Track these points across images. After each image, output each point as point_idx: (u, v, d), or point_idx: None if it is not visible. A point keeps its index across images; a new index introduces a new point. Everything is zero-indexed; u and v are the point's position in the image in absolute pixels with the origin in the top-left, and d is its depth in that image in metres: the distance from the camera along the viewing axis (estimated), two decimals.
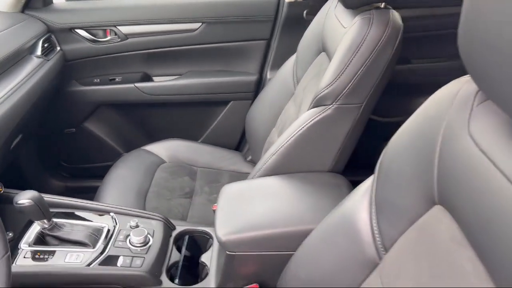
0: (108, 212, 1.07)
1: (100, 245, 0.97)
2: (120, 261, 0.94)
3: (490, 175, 0.48)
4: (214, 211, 0.99)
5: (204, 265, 1.02)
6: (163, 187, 1.37)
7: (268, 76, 1.67)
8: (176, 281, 0.98)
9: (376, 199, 0.70)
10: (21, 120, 1.24)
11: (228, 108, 1.73)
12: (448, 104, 0.59)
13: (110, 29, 1.63)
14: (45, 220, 0.95)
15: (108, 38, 1.64)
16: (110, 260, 0.94)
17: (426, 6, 1.44)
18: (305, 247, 0.82)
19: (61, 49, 1.59)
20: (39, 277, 0.92)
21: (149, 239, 1.00)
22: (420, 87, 1.15)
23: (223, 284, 0.96)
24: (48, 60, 1.46)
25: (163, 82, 1.70)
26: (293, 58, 1.40)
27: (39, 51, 1.43)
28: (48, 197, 1.05)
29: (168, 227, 1.08)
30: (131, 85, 1.66)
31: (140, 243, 0.98)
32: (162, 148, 1.53)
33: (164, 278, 0.97)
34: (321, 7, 1.31)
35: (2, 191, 1.02)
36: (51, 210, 0.96)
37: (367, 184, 0.75)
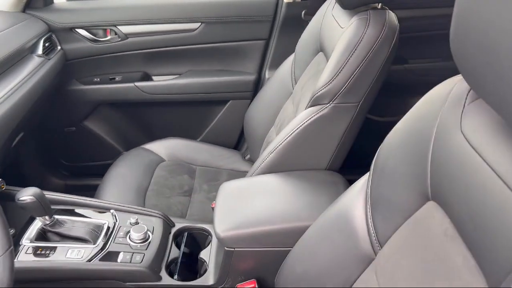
0: (108, 209, 1.08)
1: (100, 241, 0.98)
2: (120, 257, 0.95)
3: (481, 171, 0.49)
4: (212, 208, 1.01)
5: (203, 262, 1.03)
6: (163, 185, 1.39)
7: (267, 75, 1.68)
8: (176, 277, 0.99)
9: (371, 196, 0.72)
10: (22, 118, 1.25)
11: (227, 107, 1.74)
12: (441, 102, 0.60)
13: (110, 29, 1.64)
14: (46, 217, 0.96)
15: (108, 37, 1.65)
16: (111, 256, 0.95)
17: (422, 7, 1.46)
18: (302, 243, 0.83)
19: (61, 49, 1.60)
20: (40, 272, 0.93)
21: (149, 236, 1.01)
22: (417, 87, 1.17)
23: (222, 280, 0.97)
24: (49, 59, 1.47)
25: (163, 81, 1.71)
26: (291, 58, 1.42)
27: (40, 50, 1.44)
28: (49, 194, 1.06)
29: (168, 224, 1.09)
30: (131, 84, 1.68)
31: (140, 240, 0.99)
32: (161, 147, 1.54)
33: (163, 274, 0.98)
34: (319, 8, 1.32)
35: (3, 188, 1.03)
36: (52, 207, 0.98)
37: (363, 181, 0.77)
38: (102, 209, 1.08)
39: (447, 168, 0.55)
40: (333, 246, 0.76)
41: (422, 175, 0.60)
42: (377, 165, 0.72)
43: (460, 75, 0.57)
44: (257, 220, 0.94)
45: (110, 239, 0.99)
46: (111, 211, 1.07)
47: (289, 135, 1.06)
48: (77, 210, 1.07)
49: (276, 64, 1.56)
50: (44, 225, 0.98)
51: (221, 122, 1.76)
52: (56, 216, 0.99)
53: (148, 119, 1.79)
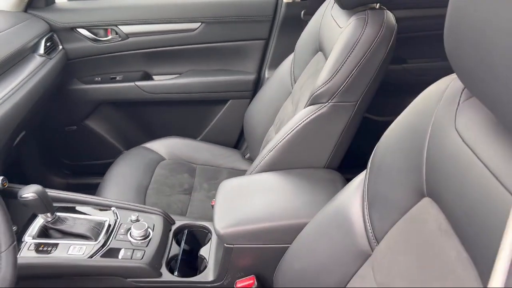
0: (109, 206, 1.09)
1: (102, 238, 0.99)
2: (121, 254, 0.97)
3: (474, 167, 0.50)
4: (212, 206, 1.02)
5: (202, 258, 1.05)
6: (163, 183, 1.40)
7: (266, 75, 1.69)
8: (176, 273, 1.00)
9: (368, 193, 0.73)
10: (24, 117, 1.26)
11: (227, 107, 1.75)
12: (437, 100, 0.61)
13: (111, 29, 1.66)
14: (48, 214, 0.97)
15: (109, 37, 1.66)
16: (112, 253, 0.96)
17: (420, 7, 1.47)
18: (300, 239, 0.84)
19: (63, 48, 1.61)
20: (42, 268, 0.94)
21: (149, 233, 1.02)
22: (415, 87, 1.18)
23: (221, 276, 0.98)
24: (51, 59, 1.48)
25: (163, 81, 1.72)
26: (290, 58, 1.43)
27: (41, 50, 1.46)
28: (51, 192, 1.07)
29: (168, 222, 1.10)
30: (132, 84, 1.69)
31: (140, 237, 1.00)
32: (162, 146, 1.55)
33: (164, 270, 0.99)
34: (318, 8, 1.33)
35: (6, 186, 1.04)
36: (54, 204, 0.99)
37: (360, 179, 0.78)
38: (103, 207, 1.09)
39: (441, 164, 0.57)
40: (330, 243, 0.77)
41: (417, 172, 0.61)
42: (374, 163, 0.73)
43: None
44: (256, 217, 0.95)
45: (111, 236, 1.00)
46: (112, 208, 1.08)
47: (288, 134, 1.07)
48: (79, 208, 1.09)
49: (275, 64, 1.56)
50: (46, 222, 0.99)
51: (221, 122, 1.77)
52: (58, 214, 1.00)
53: (148, 118, 1.80)
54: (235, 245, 0.93)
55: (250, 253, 0.95)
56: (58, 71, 1.52)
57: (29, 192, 0.92)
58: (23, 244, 0.96)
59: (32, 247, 0.96)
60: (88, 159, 1.84)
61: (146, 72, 1.74)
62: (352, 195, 0.77)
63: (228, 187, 1.06)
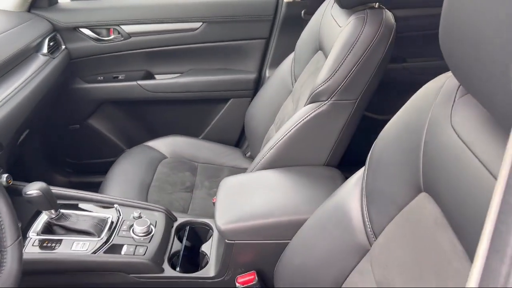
0: (112, 203, 1.10)
1: (105, 234, 1.01)
2: (124, 250, 0.98)
3: (468, 162, 0.52)
4: (214, 204, 1.03)
5: (204, 254, 1.06)
6: (165, 181, 1.41)
7: (267, 74, 1.71)
8: (178, 269, 1.02)
9: (367, 189, 0.74)
10: (28, 115, 1.28)
11: (228, 106, 1.76)
12: (433, 97, 0.62)
13: (113, 28, 1.67)
14: (52, 210, 0.98)
15: (112, 37, 1.68)
16: (115, 249, 0.98)
17: (419, 6, 1.48)
18: (300, 235, 0.86)
19: (66, 48, 1.62)
20: (47, 263, 0.96)
21: (152, 229, 1.03)
22: (415, 86, 1.19)
23: (222, 272, 1.00)
24: (54, 58, 1.50)
25: (165, 80, 1.74)
26: (291, 57, 1.44)
27: (45, 49, 1.47)
28: (55, 189, 1.08)
29: (170, 218, 1.12)
30: (134, 83, 1.70)
31: (143, 233, 1.01)
32: (163, 144, 1.57)
33: (166, 266, 1.00)
34: (318, 7, 1.34)
35: (11, 183, 1.05)
36: (58, 201, 1.00)
37: (359, 175, 0.79)
38: (106, 204, 1.11)
39: (438, 160, 0.58)
40: (330, 238, 0.79)
41: (414, 167, 0.62)
42: (372, 159, 0.75)
43: None
44: (257, 214, 0.96)
45: (114, 233, 1.02)
46: (115, 205, 1.10)
47: (289, 131, 1.08)
48: (82, 205, 1.10)
49: (276, 63, 1.58)
50: (50, 218, 1.00)
51: (222, 120, 1.78)
52: (62, 210, 1.02)
53: (150, 117, 1.82)
54: (236, 241, 0.95)
55: (251, 249, 0.96)
56: (61, 71, 1.54)
57: (33, 189, 0.93)
58: (27, 240, 0.98)
59: (37, 243, 0.97)
60: (90, 158, 1.85)
61: (148, 71, 1.76)
62: (351, 191, 0.78)
63: (229, 184, 1.07)
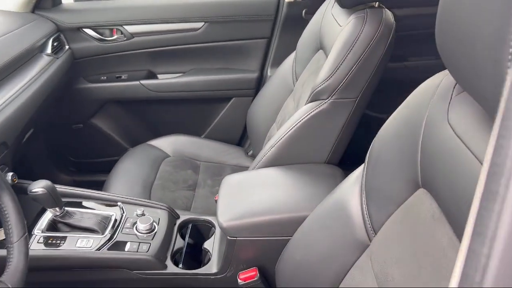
0: (115, 201, 1.12)
1: (108, 231, 1.02)
2: (127, 246, 0.99)
3: (465, 158, 0.53)
4: (216, 201, 1.04)
5: (206, 251, 1.07)
6: (168, 179, 1.42)
7: (269, 73, 1.72)
8: (180, 265, 1.03)
9: (366, 185, 0.75)
10: (32, 115, 1.29)
11: (230, 105, 1.77)
12: (431, 94, 0.64)
13: (116, 28, 1.68)
14: (57, 208, 1.00)
15: (115, 37, 1.69)
16: (118, 245, 0.99)
17: (418, 5, 1.49)
18: (300, 231, 0.87)
19: (69, 48, 1.64)
20: (51, 260, 0.97)
21: (155, 227, 1.05)
22: (415, 84, 1.20)
23: (224, 268, 1.01)
24: (58, 58, 1.51)
25: (168, 79, 1.75)
26: (292, 56, 1.45)
27: (49, 50, 1.49)
28: (60, 187, 1.10)
29: (173, 216, 1.13)
30: (137, 83, 1.71)
31: (146, 230, 1.03)
32: (166, 143, 1.58)
33: (169, 262, 1.02)
34: (319, 7, 1.35)
35: (16, 181, 1.07)
36: (62, 199, 1.01)
37: (358, 172, 0.80)
38: (110, 202, 1.12)
39: (435, 156, 0.59)
40: (330, 234, 0.80)
41: (413, 164, 0.63)
42: (371, 156, 0.76)
43: None
44: (259, 211, 0.97)
45: (118, 230, 1.03)
46: (119, 203, 1.11)
47: (290, 130, 1.09)
48: (86, 203, 1.11)
49: (278, 62, 1.59)
50: (55, 216, 1.02)
51: (224, 119, 1.79)
52: (66, 208, 1.03)
53: (153, 116, 1.83)
54: (238, 238, 0.96)
55: (253, 245, 0.97)
56: (65, 70, 1.55)
57: (38, 187, 0.95)
58: (32, 237, 0.99)
59: (42, 240, 0.99)
60: (94, 157, 1.87)
61: (151, 71, 1.77)
62: (351, 188, 0.79)
63: (231, 182, 1.08)
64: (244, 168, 1.49)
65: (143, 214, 1.07)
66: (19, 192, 1.07)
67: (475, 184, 0.50)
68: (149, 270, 1.00)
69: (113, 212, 1.08)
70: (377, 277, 0.67)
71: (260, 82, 1.75)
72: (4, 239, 0.76)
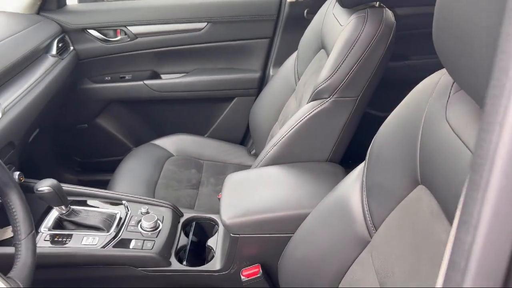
0: (120, 200, 1.13)
1: (113, 229, 1.03)
2: (132, 244, 1.01)
3: (462, 154, 0.54)
4: (219, 199, 1.06)
5: (210, 249, 1.09)
6: (171, 178, 1.44)
7: (271, 73, 1.73)
8: (184, 262, 1.04)
9: (367, 182, 0.76)
10: (38, 115, 1.31)
11: (232, 104, 1.79)
12: (430, 92, 0.65)
13: (120, 29, 1.70)
14: (63, 206, 1.01)
15: (119, 37, 1.71)
16: (123, 243, 1.01)
17: (420, 4, 1.49)
18: (302, 228, 0.88)
19: (74, 49, 1.66)
20: (58, 257, 0.99)
21: (159, 224, 1.06)
22: (417, 83, 1.21)
23: (228, 265, 1.02)
24: (63, 59, 1.53)
25: (171, 79, 1.76)
26: (294, 55, 1.46)
27: (54, 51, 1.50)
28: (66, 186, 1.11)
29: (177, 214, 1.14)
30: (141, 83, 1.73)
31: (150, 228, 1.04)
32: (170, 143, 1.60)
33: (173, 260, 1.03)
34: (320, 7, 1.36)
35: (22, 180, 1.08)
36: (68, 198, 1.03)
37: (359, 169, 0.81)
38: (115, 200, 1.14)
39: (434, 153, 0.60)
40: (331, 231, 0.81)
41: (412, 161, 0.65)
42: (372, 154, 0.77)
43: None
44: (261, 208, 0.98)
45: (123, 228, 1.04)
46: (123, 202, 1.12)
47: (291, 129, 1.11)
48: (91, 201, 1.13)
49: (280, 62, 1.60)
50: (61, 214, 1.03)
51: (227, 119, 1.80)
52: (72, 206, 1.05)
53: (157, 116, 1.84)
54: (241, 235, 0.97)
55: (255, 242, 0.98)
56: (69, 71, 1.57)
57: (45, 185, 0.96)
58: (39, 235, 1.01)
59: (48, 237, 1.00)
60: (98, 156, 1.88)
61: (154, 71, 1.78)
62: (352, 185, 0.80)
63: (234, 180, 1.09)
64: (246, 167, 1.51)
65: (147, 212, 1.08)
66: (26, 191, 1.08)
67: None
68: (154, 267, 1.01)
69: (118, 210, 1.09)
70: (377, 273, 0.69)
71: (262, 81, 1.76)
72: (12, 237, 0.78)
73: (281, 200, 1.01)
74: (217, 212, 1.04)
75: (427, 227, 0.60)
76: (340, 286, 0.76)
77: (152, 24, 1.70)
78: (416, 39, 1.52)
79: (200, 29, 1.71)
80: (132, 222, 1.06)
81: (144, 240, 1.02)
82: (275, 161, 1.14)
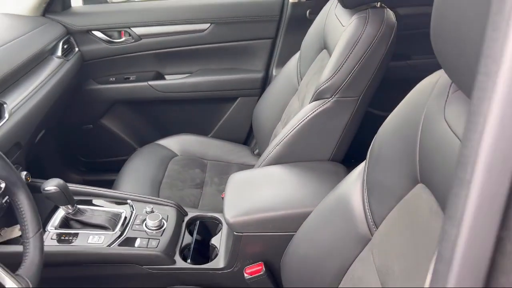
0: (125, 199, 1.15)
1: (119, 228, 1.05)
2: (137, 242, 1.02)
3: None
4: (223, 199, 1.07)
5: (214, 247, 1.10)
6: (176, 178, 1.45)
7: (274, 73, 1.74)
8: (189, 261, 1.06)
9: (368, 181, 0.77)
10: (44, 116, 1.33)
11: (236, 104, 1.80)
12: (429, 92, 0.66)
13: (124, 31, 1.72)
14: (69, 206, 1.03)
15: (123, 39, 1.73)
16: (129, 242, 1.02)
17: (421, 4, 1.50)
18: (304, 227, 0.89)
19: (79, 50, 1.67)
20: (64, 256, 1.00)
21: (164, 223, 1.08)
22: (419, 82, 1.21)
23: (231, 263, 1.03)
24: (68, 61, 1.55)
25: (175, 80, 1.78)
26: (297, 56, 1.47)
27: (59, 52, 1.52)
28: (72, 186, 1.13)
29: (181, 213, 1.16)
30: (145, 83, 1.74)
31: (155, 227, 1.05)
32: (174, 143, 1.61)
33: (177, 258, 1.05)
34: (322, 7, 1.37)
35: (29, 180, 1.10)
36: (74, 197, 1.04)
37: (360, 168, 0.82)
38: (120, 200, 1.15)
39: (432, 152, 0.61)
40: (333, 229, 0.82)
41: (412, 160, 0.66)
42: (372, 153, 0.78)
43: None
44: (264, 207, 1.00)
45: (128, 226, 1.06)
46: (128, 201, 1.14)
47: (294, 128, 1.12)
48: (97, 201, 1.15)
49: (282, 62, 1.61)
50: (67, 213, 1.05)
51: (230, 119, 1.82)
52: (78, 206, 1.06)
53: (161, 116, 1.86)
54: (244, 233, 0.98)
55: (258, 240, 1.00)
56: (74, 72, 1.59)
57: (51, 185, 0.98)
58: (46, 233, 1.02)
59: (55, 236, 1.02)
60: (103, 156, 1.90)
61: (158, 72, 1.80)
62: (353, 184, 0.81)
63: (237, 179, 1.11)
64: (250, 167, 1.52)
65: (152, 211, 1.10)
66: (33, 191, 1.10)
67: None
68: (159, 265, 1.03)
69: (123, 210, 1.11)
70: (378, 270, 0.70)
71: (265, 82, 1.77)
72: (20, 236, 0.79)
73: (284, 199, 1.02)
74: (221, 211, 1.05)
75: (426, 224, 0.61)
76: (341, 283, 0.77)
77: (156, 26, 1.71)
78: (417, 39, 1.53)
79: (203, 30, 1.72)
80: (137, 221, 1.08)
81: (149, 238, 1.04)
82: (277, 160, 1.15)
